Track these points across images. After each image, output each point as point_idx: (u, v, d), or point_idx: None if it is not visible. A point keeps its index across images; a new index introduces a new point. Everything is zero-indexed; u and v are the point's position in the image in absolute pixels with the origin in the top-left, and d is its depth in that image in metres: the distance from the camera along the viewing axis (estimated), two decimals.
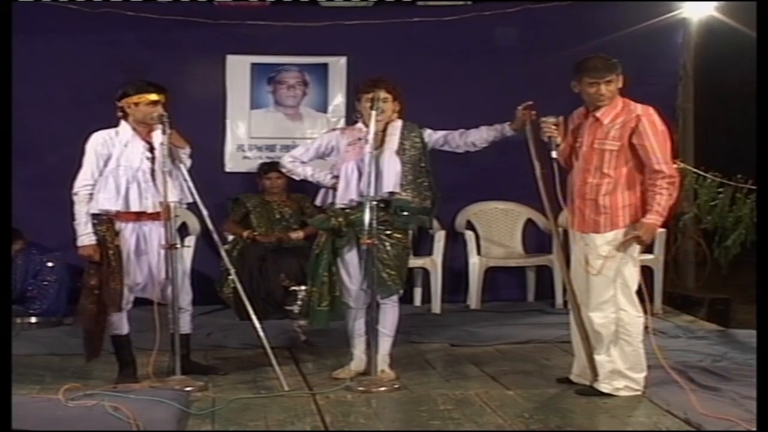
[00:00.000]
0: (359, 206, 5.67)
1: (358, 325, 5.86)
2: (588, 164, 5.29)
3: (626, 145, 5.20)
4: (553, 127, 5.34)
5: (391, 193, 5.72)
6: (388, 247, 5.75)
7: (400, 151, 5.78)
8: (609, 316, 5.26)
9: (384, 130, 5.80)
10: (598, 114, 5.26)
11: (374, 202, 5.56)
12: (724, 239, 8.03)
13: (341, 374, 5.84)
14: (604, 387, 5.31)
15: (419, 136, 5.86)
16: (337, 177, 5.83)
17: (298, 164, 5.99)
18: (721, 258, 8.07)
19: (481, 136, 5.86)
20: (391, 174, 5.70)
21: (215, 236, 5.84)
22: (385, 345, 5.82)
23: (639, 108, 5.25)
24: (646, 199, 5.22)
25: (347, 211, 5.76)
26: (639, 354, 5.32)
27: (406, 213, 5.77)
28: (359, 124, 5.88)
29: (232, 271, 5.92)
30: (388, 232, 5.74)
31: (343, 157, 5.82)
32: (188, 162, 5.74)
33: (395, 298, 5.87)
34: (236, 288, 7.43)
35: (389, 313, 5.85)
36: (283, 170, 6.18)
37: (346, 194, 5.75)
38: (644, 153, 5.18)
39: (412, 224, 5.92)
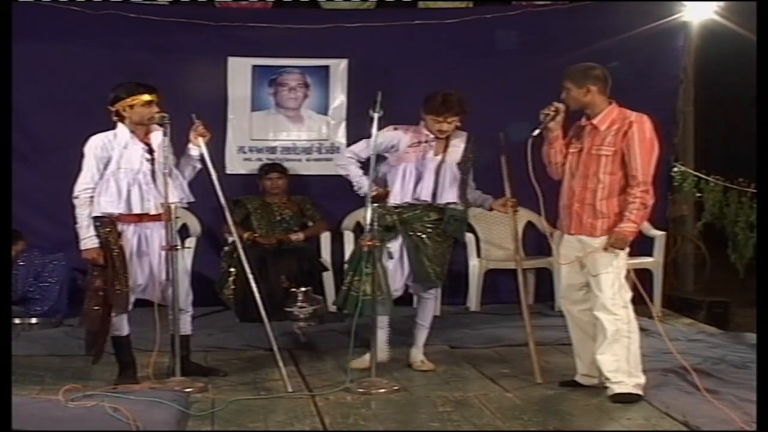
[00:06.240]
0: (411, 207, 5.98)
1: (382, 318, 6.01)
2: (587, 170, 5.39)
3: (620, 151, 5.30)
4: (554, 113, 5.43)
5: (448, 203, 5.98)
6: (433, 244, 6.00)
7: (462, 162, 6.03)
8: (616, 314, 5.30)
9: (447, 138, 6.01)
10: (595, 121, 5.38)
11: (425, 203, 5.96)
12: (736, 245, 8.03)
13: (359, 365, 5.91)
14: (616, 387, 5.31)
15: (473, 152, 6.09)
16: (384, 181, 6.06)
17: (353, 161, 6.10)
18: (737, 263, 8.07)
19: (472, 198, 6.22)
20: (453, 185, 5.99)
21: (228, 217, 5.83)
22: (422, 336, 6.13)
23: (633, 115, 5.36)
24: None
25: (399, 210, 5.99)
26: (638, 354, 5.36)
27: (458, 221, 6.05)
28: (423, 128, 6.04)
29: (247, 266, 5.88)
30: (437, 230, 6.00)
31: (402, 157, 6.01)
32: (198, 165, 5.77)
33: (435, 291, 6.18)
34: (236, 289, 7.50)
35: (429, 306, 6.16)
36: (338, 164, 6.30)
37: (401, 194, 5.99)
38: (627, 158, 5.30)
39: (459, 233, 6.19)
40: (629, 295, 5.36)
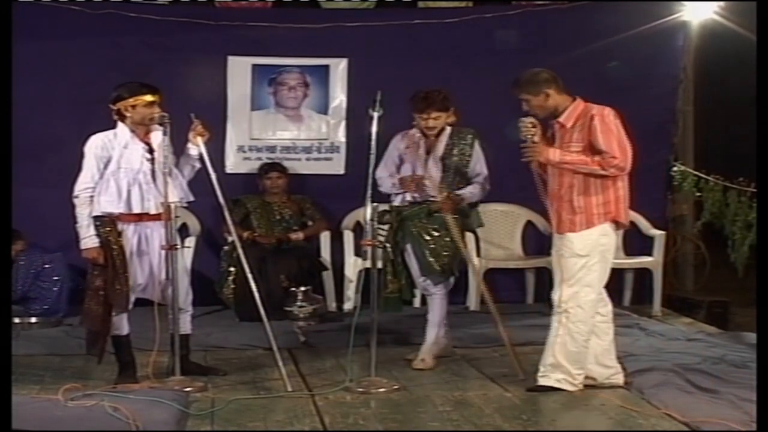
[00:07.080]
0: (410, 205, 6.14)
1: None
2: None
3: (590, 145, 5.35)
4: (532, 128, 5.44)
5: (429, 197, 6.09)
6: (432, 238, 6.09)
7: (446, 157, 6.13)
8: (557, 312, 5.42)
9: (438, 136, 6.16)
10: (561, 119, 5.45)
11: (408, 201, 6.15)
12: (736, 244, 8.04)
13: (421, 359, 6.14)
14: (539, 379, 5.46)
15: (469, 144, 6.18)
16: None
17: (388, 179, 6.22)
18: (737, 263, 8.09)
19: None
20: (435, 180, 6.07)
21: (227, 216, 5.84)
22: (431, 334, 6.16)
23: (595, 108, 5.41)
24: (618, 197, 5.39)
25: (399, 208, 6.17)
26: (579, 353, 5.41)
27: (437, 211, 6.09)
28: (414, 130, 6.22)
29: (246, 266, 5.87)
30: (435, 226, 6.10)
31: (405, 160, 6.23)
32: (197, 165, 5.77)
33: (442, 288, 6.17)
34: (236, 289, 7.50)
35: (436, 303, 6.18)
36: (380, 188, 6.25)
37: (400, 196, 6.21)
38: (599, 148, 5.31)
39: (450, 224, 6.13)
40: (582, 300, 5.36)
